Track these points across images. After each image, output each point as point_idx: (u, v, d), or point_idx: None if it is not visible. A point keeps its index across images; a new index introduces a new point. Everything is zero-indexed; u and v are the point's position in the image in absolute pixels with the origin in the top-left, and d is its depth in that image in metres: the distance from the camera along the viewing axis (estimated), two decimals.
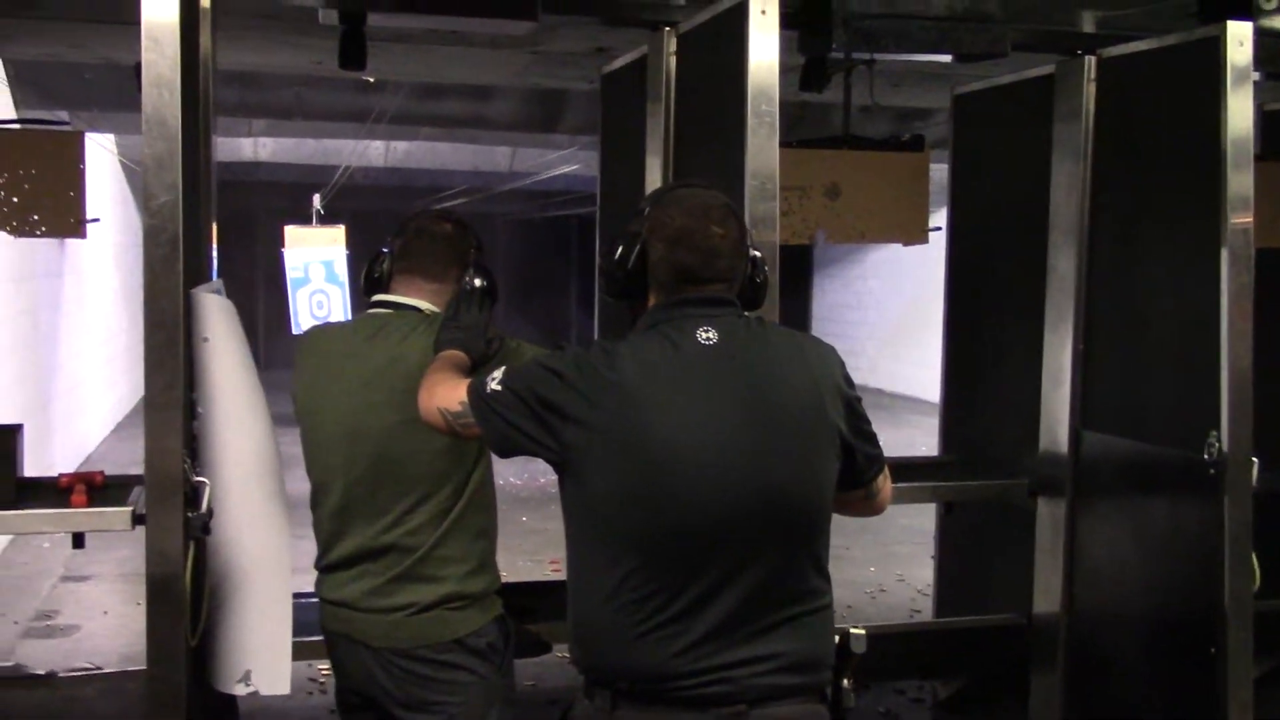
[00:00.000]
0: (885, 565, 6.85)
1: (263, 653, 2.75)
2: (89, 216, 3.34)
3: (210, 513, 2.60)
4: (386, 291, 2.58)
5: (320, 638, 2.64)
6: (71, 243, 9.12)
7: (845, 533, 2.14)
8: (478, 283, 2.50)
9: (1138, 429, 3.40)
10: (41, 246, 8.05)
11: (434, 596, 2.44)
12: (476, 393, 2.10)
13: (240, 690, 2.76)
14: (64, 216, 3.29)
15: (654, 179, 3.47)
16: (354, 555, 2.48)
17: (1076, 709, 3.70)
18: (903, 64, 4.57)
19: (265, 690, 2.76)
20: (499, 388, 2.07)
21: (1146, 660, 3.42)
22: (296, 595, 2.88)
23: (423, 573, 2.44)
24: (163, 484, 2.53)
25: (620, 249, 2.11)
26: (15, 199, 3.24)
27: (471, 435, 2.17)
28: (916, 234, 3.82)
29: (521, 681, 3.38)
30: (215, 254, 3.27)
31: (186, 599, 2.57)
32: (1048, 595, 3.73)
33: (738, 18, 2.86)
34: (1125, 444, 3.43)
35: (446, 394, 2.18)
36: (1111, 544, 3.53)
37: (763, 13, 2.81)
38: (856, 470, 2.15)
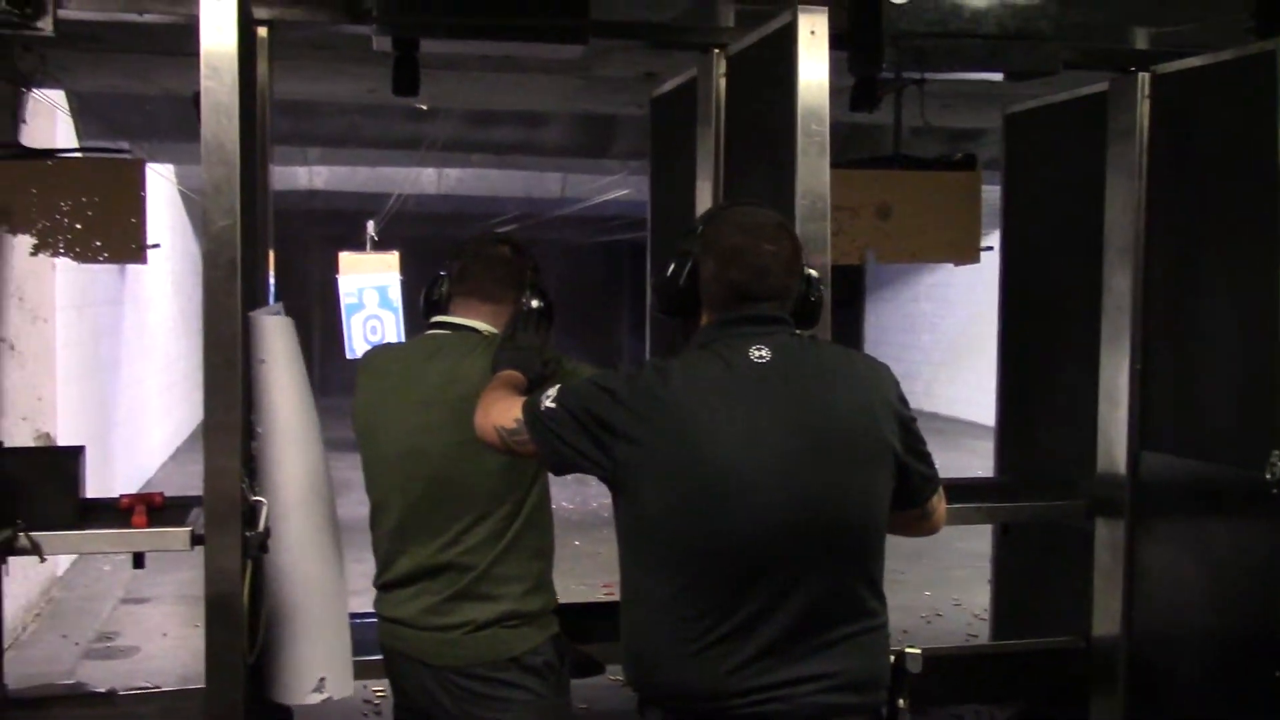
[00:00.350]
0: (941, 590, 6.76)
1: (333, 660, 2.82)
2: (150, 242, 3.40)
3: (268, 532, 2.63)
4: (445, 313, 2.60)
5: (375, 657, 2.66)
6: (131, 271, 9.28)
7: (900, 557, 2.12)
8: (535, 304, 2.52)
9: (1198, 449, 3.34)
10: (101, 275, 8.20)
11: (490, 615, 2.44)
12: (531, 411, 2.11)
13: (315, 699, 2.81)
14: (126, 242, 3.35)
15: (704, 201, 3.48)
16: (412, 573, 2.50)
17: None
18: (953, 85, 4.55)
19: (336, 695, 2.84)
20: (553, 405, 2.08)
21: (1209, 683, 3.36)
22: (352, 615, 2.92)
23: (480, 591, 2.44)
24: (221, 503, 2.57)
25: (673, 267, 2.12)
26: (79, 225, 3.31)
27: (526, 453, 2.18)
28: (969, 254, 3.79)
29: (575, 705, 3.37)
30: (273, 281, 3.33)
31: (244, 616, 2.59)
32: (1107, 617, 3.67)
33: (787, 38, 2.87)
34: (1186, 464, 3.38)
35: (502, 412, 2.19)
36: (1172, 565, 3.48)
37: (812, 33, 2.82)
38: (911, 490, 2.13)
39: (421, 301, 2.68)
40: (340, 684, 2.85)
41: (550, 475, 2.50)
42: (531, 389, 2.33)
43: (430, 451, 2.45)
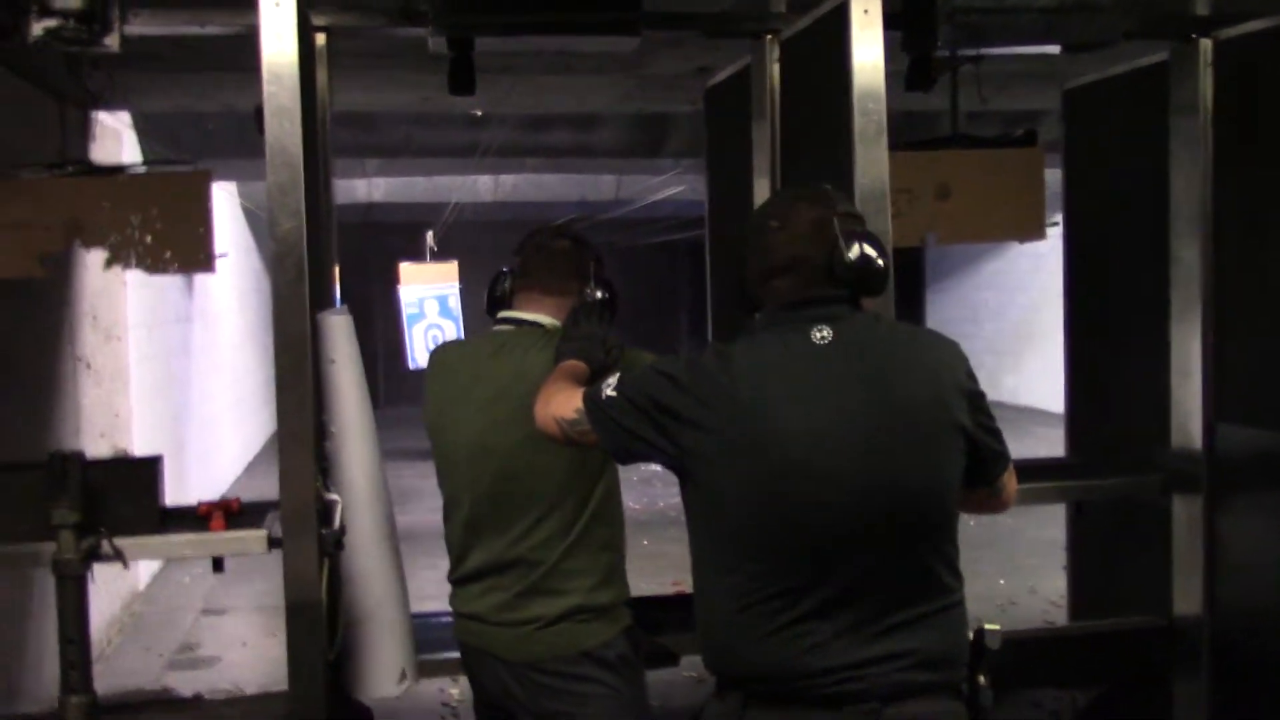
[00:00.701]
0: (1015, 578, 6.69)
1: (409, 650, 2.89)
2: (218, 252, 3.46)
3: (343, 529, 2.66)
4: (510, 309, 2.61)
5: (449, 655, 2.69)
6: (199, 289, 9.45)
7: (972, 545, 2.10)
8: (598, 294, 2.53)
9: (1277, 419, 3.27)
10: (170, 293, 8.36)
11: (560, 609, 2.45)
12: (592, 400, 2.12)
13: (399, 690, 2.88)
14: (194, 253, 3.42)
15: (762, 188, 3.47)
16: (483, 569, 2.52)
17: (1224, 716, 3.56)
18: (1008, 64, 4.50)
19: (414, 681, 2.93)
20: (614, 394, 2.08)
21: None
22: (419, 614, 2.97)
23: (549, 586, 2.45)
24: (297, 502, 2.61)
25: (736, 264, 2.15)
26: (148, 238, 3.38)
27: (588, 443, 2.18)
28: (1034, 230, 3.73)
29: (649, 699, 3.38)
30: (338, 291, 3.38)
31: (324, 615, 2.63)
32: (1188, 596, 3.60)
33: (839, 19, 2.86)
34: (1264, 435, 3.31)
35: (562, 403, 2.19)
36: (1254, 539, 3.41)
37: (865, 12, 2.80)
38: (982, 467, 2.11)
39: (485, 298, 2.70)
40: (414, 672, 2.92)
41: (616, 472, 2.53)
42: (595, 378, 2.33)
43: (498, 447, 2.46)
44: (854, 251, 2.04)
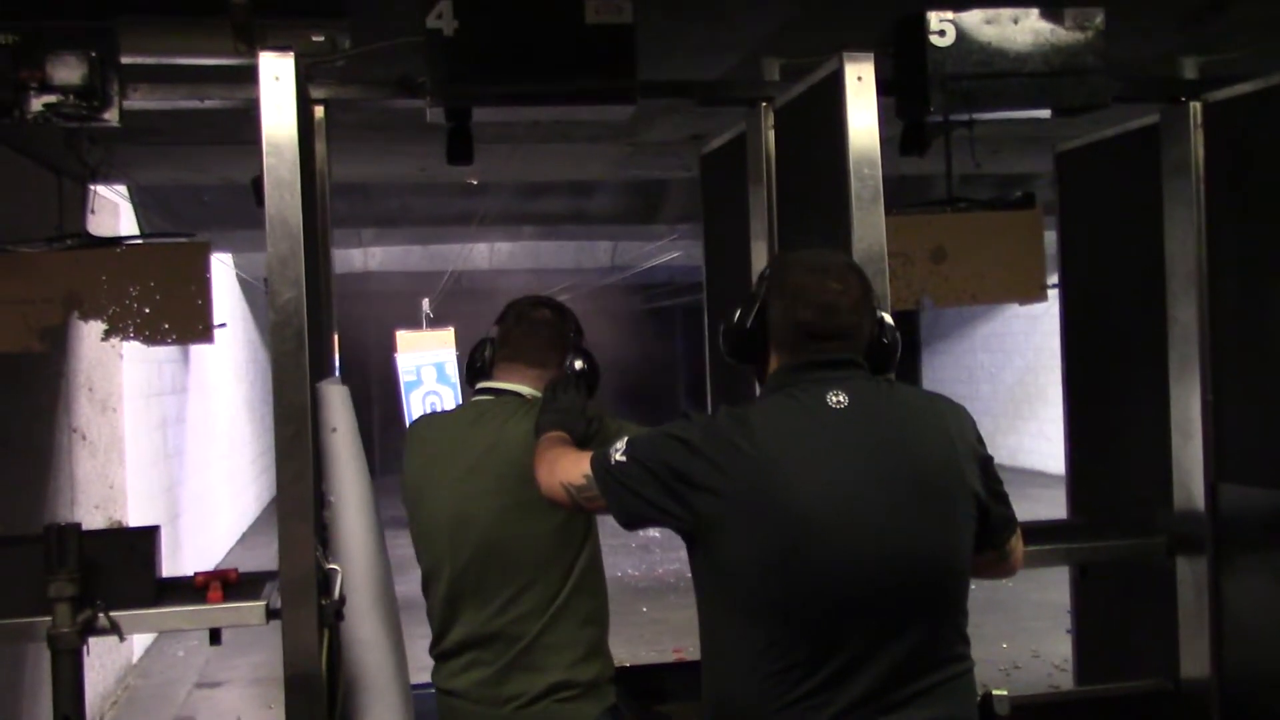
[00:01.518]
0: (1018, 641, 6.64)
1: (406, 716, 2.86)
2: (216, 322, 3.46)
3: (343, 599, 2.64)
4: (489, 379, 2.61)
5: None
6: (195, 360, 9.46)
7: (975, 609, 2.08)
8: (578, 365, 2.53)
9: (1279, 477, 3.27)
10: (167, 364, 8.37)
11: (542, 686, 2.40)
12: (600, 465, 2.10)
13: None
14: (193, 324, 3.41)
15: (759, 256, 3.48)
16: (464, 642, 2.48)
17: None
18: (1001, 128, 4.54)
19: None
20: (624, 459, 2.06)
21: None
22: (418, 686, 2.92)
23: (530, 661, 2.41)
24: (297, 572, 2.58)
25: (740, 310, 2.12)
26: (147, 310, 3.38)
27: (595, 509, 2.16)
28: (1034, 292, 3.74)
29: None
30: (336, 360, 3.38)
31: (324, 686, 2.59)
32: (1195, 659, 3.56)
33: (834, 85, 2.89)
34: (1267, 494, 3.30)
35: (568, 468, 2.17)
36: (1261, 600, 3.37)
37: (859, 79, 2.84)
38: (991, 531, 2.10)
39: (465, 368, 2.70)
40: None
41: (598, 543, 2.50)
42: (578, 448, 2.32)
43: (477, 517, 2.44)
44: (894, 332, 2.14)
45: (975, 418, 2.17)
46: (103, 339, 3.44)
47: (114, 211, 6.43)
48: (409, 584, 2.80)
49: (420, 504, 2.56)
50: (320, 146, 3.26)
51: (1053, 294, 4.32)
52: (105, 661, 5.86)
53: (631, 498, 2.04)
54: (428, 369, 10.48)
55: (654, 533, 10.35)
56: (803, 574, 1.92)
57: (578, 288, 13.29)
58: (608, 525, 2.52)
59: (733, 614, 1.99)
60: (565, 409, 2.40)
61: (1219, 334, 3.49)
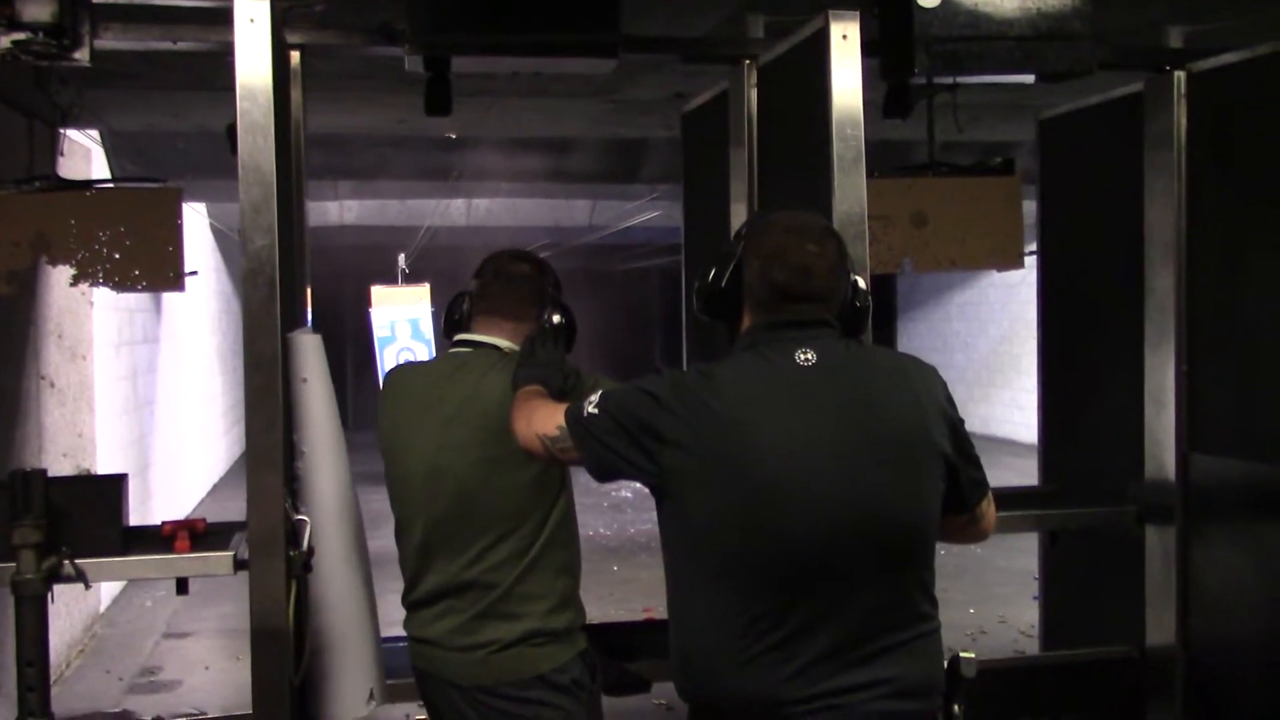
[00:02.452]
0: (986, 607, 6.69)
1: (377, 672, 2.86)
2: (187, 270, 3.42)
3: (311, 550, 2.62)
4: (467, 331, 2.60)
5: (412, 680, 2.65)
6: (167, 310, 9.37)
7: (943, 574, 2.09)
8: (555, 319, 2.52)
9: (1251, 449, 3.28)
10: (138, 313, 8.28)
11: (516, 634, 2.43)
12: (574, 418, 2.10)
13: (366, 711, 2.83)
14: (163, 270, 3.37)
15: (739, 216, 3.46)
16: (437, 592, 2.49)
17: None
18: (984, 94, 4.52)
19: (382, 702, 2.89)
20: (596, 411, 2.07)
21: (1271, 692, 3.28)
22: (388, 639, 2.92)
23: (504, 610, 2.43)
24: (266, 522, 2.56)
25: (716, 267, 2.11)
26: (117, 255, 3.33)
27: (569, 460, 2.17)
28: (1011, 259, 3.74)
29: None
30: (310, 314, 3.35)
31: (290, 637, 2.58)
32: (1161, 627, 3.60)
33: (819, 44, 2.86)
34: (1237, 465, 3.32)
35: (544, 420, 2.18)
36: (1228, 570, 3.41)
37: (844, 37, 2.81)
38: (961, 494, 2.10)
39: (443, 321, 2.69)
40: (382, 694, 2.88)
41: (572, 495, 2.51)
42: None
43: (452, 469, 2.45)
44: (866, 295, 2.15)
45: (950, 386, 2.17)
46: (71, 283, 3.40)
47: (86, 156, 6.34)
48: (383, 539, 2.79)
49: (396, 453, 2.56)
50: (296, 93, 3.20)
51: (1030, 264, 4.33)
52: (72, 610, 5.82)
53: (603, 449, 2.05)
54: (402, 325, 10.42)
55: (626, 493, 10.37)
56: (767, 530, 1.93)
57: (556, 246, 13.24)
58: (579, 484, 2.52)
59: (698, 568, 2.00)
60: (543, 363, 2.40)
61: (1195, 304, 3.50)
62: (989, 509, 2.20)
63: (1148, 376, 3.59)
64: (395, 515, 2.58)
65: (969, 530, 2.20)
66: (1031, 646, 5.37)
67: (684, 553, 2.04)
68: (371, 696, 2.82)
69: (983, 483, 2.16)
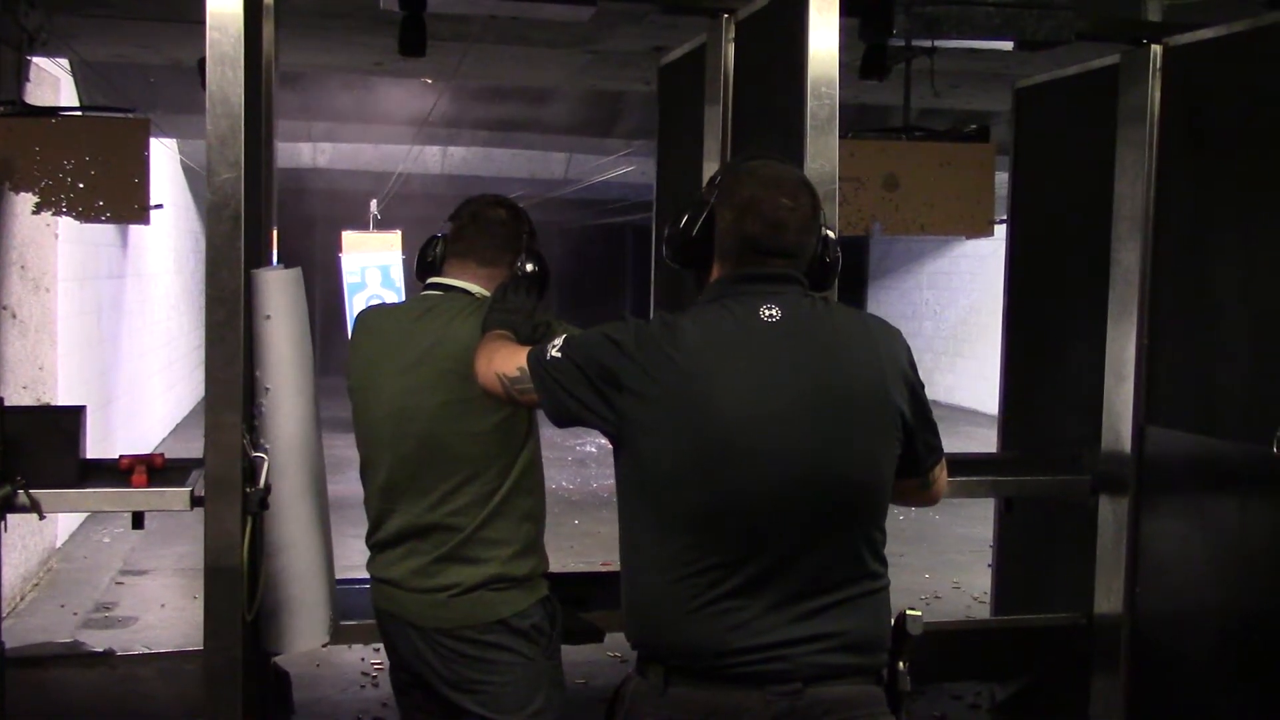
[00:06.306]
0: (940, 573, 6.76)
1: (330, 605, 2.86)
2: (153, 203, 3.38)
3: (268, 488, 2.61)
4: (440, 274, 2.59)
5: (370, 621, 2.65)
6: (134, 245, 9.26)
7: (900, 540, 2.10)
8: (529, 267, 2.51)
9: (1206, 424, 3.32)
10: (104, 248, 8.19)
11: (478, 578, 2.44)
12: (536, 360, 2.10)
13: (317, 643, 2.87)
14: (128, 202, 3.33)
15: (711, 169, 3.45)
16: (401, 533, 2.49)
17: (1140, 713, 3.61)
18: (962, 62, 4.52)
19: (306, 645, 2.90)
20: (558, 355, 2.06)
21: (1215, 662, 3.34)
22: (344, 581, 2.92)
23: (467, 554, 2.44)
24: (223, 459, 2.55)
25: (688, 215, 2.09)
26: (81, 185, 3.29)
27: (528, 402, 2.16)
28: (981, 226, 3.75)
29: (573, 679, 3.36)
30: (275, 258, 3.31)
31: (244, 573, 2.58)
32: (1110, 595, 3.65)
33: (798, 1, 2.84)
34: (1192, 439, 3.36)
35: (505, 360, 2.17)
36: (1177, 542, 3.46)
37: None
38: (915, 457, 2.10)
39: (416, 262, 2.67)
40: (331, 631, 2.90)
41: (539, 443, 2.51)
42: None
43: (419, 411, 2.44)
44: (836, 249, 2.13)
45: (916, 354, 2.17)
46: (34, 211, 3.35)
47: (54, 85, 6.23)
48: (344, 483, 2.79)
49: (363, 393, 2.55)
50: (268, 28, 3.16)
51: (999, 234, 4.34)
52: (28, 543, 5.79)
53: (562, 393, 2.04)
54: (372, 271, 10.33)
55: (590, 448, 10.39)
56: (721, 483, 1.93)
57: (530, 197, 13.18)
58: (545, 440, 2.52)
59: (652, 517, 2.00)
60: (513, 309, 2.39)
61: (1159, 279, 3.52)
62: (941, 475, 2.21)
63: (1109, 348, 3.62)
64: (360, 455, 2.57)
65: (921, 494, 2.21)
66: (983, 612, 5.44)
67: (638, 502, 2.03)
68: (322, 632, 2.82)
69: (937, 449, 2.16)
